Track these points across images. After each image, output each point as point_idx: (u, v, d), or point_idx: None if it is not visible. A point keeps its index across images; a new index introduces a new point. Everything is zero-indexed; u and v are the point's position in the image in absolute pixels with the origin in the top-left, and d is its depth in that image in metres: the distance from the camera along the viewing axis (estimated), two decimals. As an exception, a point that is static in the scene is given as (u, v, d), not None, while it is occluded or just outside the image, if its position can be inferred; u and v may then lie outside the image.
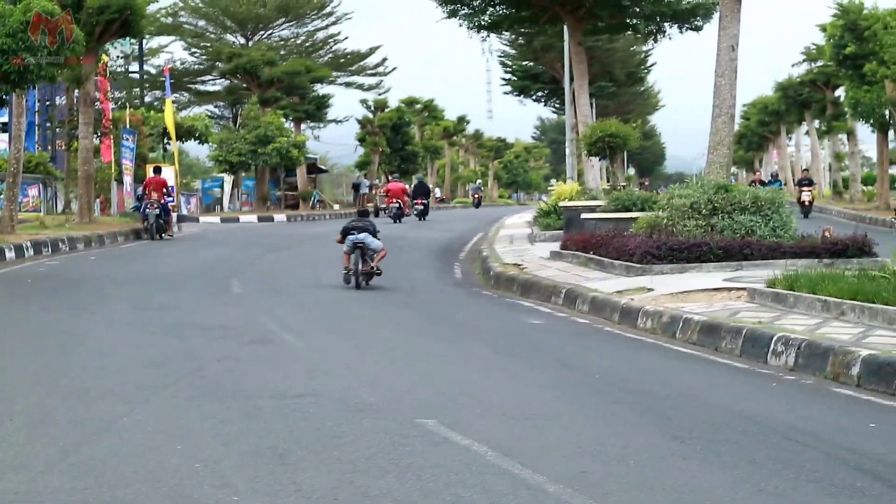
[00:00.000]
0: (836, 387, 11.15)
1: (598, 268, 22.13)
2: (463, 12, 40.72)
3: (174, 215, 41.08)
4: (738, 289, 17.22)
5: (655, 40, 43.95)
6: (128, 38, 52.37)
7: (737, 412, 9.91)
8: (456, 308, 19.56)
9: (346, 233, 21.39)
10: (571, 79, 45.01)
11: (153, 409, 9.82)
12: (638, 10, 40.36)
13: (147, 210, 36.34)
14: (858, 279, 14.95)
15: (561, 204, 32.94)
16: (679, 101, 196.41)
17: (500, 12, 41.80)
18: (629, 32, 47.55)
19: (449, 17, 40.39)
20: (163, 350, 13.37)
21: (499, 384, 11.40)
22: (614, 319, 16.76)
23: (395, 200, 53.50)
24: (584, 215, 28.95)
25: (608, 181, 44.56)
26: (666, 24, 41.41)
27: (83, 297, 19.38)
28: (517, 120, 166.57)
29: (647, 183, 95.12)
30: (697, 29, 40.83)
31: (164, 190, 37.51)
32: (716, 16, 37.82)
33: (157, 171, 39.61)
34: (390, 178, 66.67)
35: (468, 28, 42.15)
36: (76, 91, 44.57)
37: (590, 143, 33.52)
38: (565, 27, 44.62)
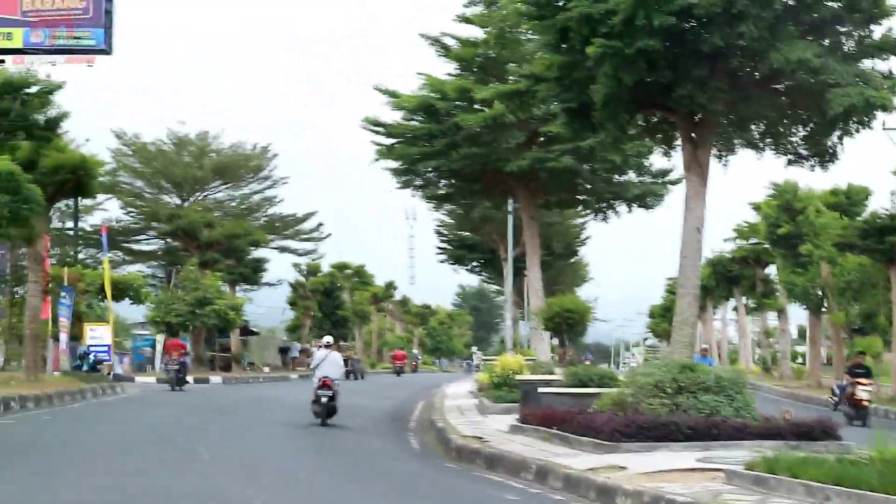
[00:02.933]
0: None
1: (563, 443, 22.20)
2: (416, 183, 41.49)
3: (112, 374, 47.77)
4: (714, 469, 17.40)
5: (605, 219, 44.52)
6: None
7: None
8: (428, 482, 19.56)
9: None
10: (514, 249, 45.75)
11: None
12: (590, 187, 41.06)
13: (168, 366, 45.58)
14: (840, 464, 15.19)
15: (518, 377, 33.17)
16: (601, 271, 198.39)
17: (454, 184, 42.50)
18: (580, 209, 48.44)
19: (403, 188, 41.07)
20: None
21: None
22: (590, 497, 16.77)
23: (397, 362, 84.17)
24: (540, 389, 29.12)
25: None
26: (616, 203, 42.12)
27: (51, 462, 19.03)
28: (437, 285, 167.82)
29: (570, 353, 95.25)
30: (648, 207, 41.46)
31: (183, 351, 46.15)
32: (672, 196, 38.91)
33: (175, 334, 53.89)
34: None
35: (421, 198, 43.11)
36: (22, 248, 44.45)
37: (547, 318, 33.99)
38: (510, 201, 45.48)
